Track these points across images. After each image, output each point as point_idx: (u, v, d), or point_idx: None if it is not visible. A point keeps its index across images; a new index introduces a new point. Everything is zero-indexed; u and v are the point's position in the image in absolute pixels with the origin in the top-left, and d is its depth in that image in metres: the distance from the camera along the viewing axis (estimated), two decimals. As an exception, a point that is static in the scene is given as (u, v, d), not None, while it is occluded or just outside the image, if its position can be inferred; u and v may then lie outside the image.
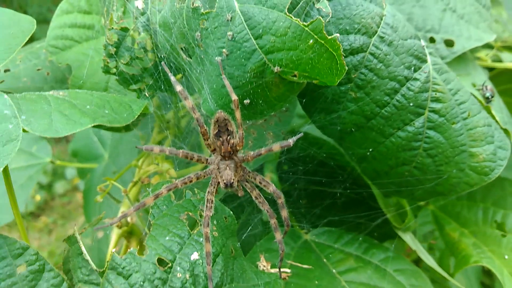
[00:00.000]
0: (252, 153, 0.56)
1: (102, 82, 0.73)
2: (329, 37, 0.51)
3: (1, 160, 0.49)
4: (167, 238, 0.57)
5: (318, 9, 0.54)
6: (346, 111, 0.65)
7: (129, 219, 0.83)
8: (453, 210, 0.94)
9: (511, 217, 0.89)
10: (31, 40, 1.03)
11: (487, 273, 1.24)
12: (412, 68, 0.65)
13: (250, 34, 0.54)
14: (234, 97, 0.54)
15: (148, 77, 0.68)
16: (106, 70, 0.68)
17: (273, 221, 0.56)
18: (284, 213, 0.57)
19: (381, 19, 0.63)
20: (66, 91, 0.59)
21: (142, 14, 0.64)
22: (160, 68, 0.68)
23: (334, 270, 0.75)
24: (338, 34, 0.51)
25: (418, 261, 0.97)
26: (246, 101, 0.58)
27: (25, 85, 0.78)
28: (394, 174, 0.70)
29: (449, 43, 0.83)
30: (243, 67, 0.55)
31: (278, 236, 0.56)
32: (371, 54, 0.62)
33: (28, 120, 0.50)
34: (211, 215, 0.54)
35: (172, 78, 0.56)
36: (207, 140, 0.56)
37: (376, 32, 0.63)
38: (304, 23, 0.52)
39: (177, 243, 0.56)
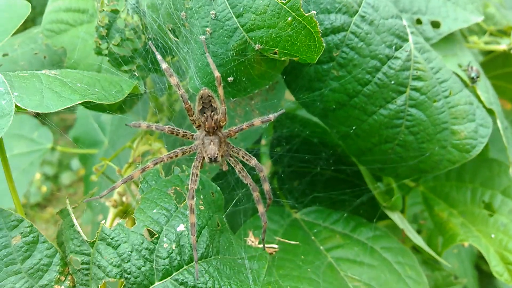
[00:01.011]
0: (234, 128, 0.59)
1: (95, 64, 0.75)
2: (306, 14, 0.53)
3: (-5, 137, 0.51)
4: (154, 210, 0.59)
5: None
6: (328, 89, 0.67)
7: (124, 198, 0.86)
8: (442, 190, 0.96)
9: (498, 197, 0.91)
10: (33, 25, 1.06)
11: (482, 258, 1.26)
12: (393, 47, 0.66)
13: (232, 12, 0.56)
14: (217, 74, 0.56)
15: (138, 58, 0.70)
16: (98, 52, 0.70)
17: (255, 194, 0.58)
18: (266, 186, 0.59)
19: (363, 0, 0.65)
20: (58, 70, 0.61)
21: (132, -4, 0.67)
22: (148, 48, 0.70)
23: (321, 247, 0.78)
24: (314, 12, 0.53)
25: (414, 247, 0.99)
26: (230, 79, 0.60)
27: (23, 68, 0.81)
28: (378, 151, 0.72)
29: (435, 24, 0.85)
30: (225, 45, 0.58)
31: (261, 208, 0.59)
32: (352, 33, 0.64)
33: (21, 97, 0.53)
34: (195, 188, 0.57)
35: (158, 57, 0.59)
36: (192, 116, 0.58)
37: (357, 11, 0.64)
38: (282, 1, 0.54)
39: (164, 215, 0.59)
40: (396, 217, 0.87)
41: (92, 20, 0.81)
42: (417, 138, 0.70)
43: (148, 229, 0.58)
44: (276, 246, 0.73)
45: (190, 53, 0.62)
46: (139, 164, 0.80)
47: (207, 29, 0.58)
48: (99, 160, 1.34)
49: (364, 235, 0.83)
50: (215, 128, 0.59)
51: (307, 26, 0.54)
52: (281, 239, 0.76)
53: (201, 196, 0.63)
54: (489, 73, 1.19)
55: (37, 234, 0.59)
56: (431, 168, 0.73)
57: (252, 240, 0.73)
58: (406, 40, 0.68)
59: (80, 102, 0.55)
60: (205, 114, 0.58)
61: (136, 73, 0.68)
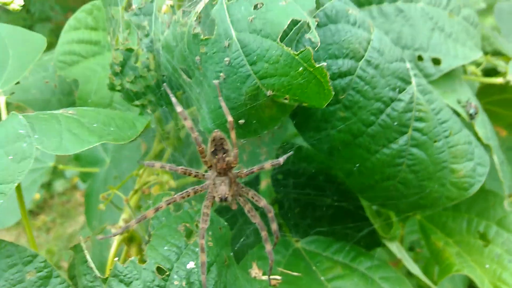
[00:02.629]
0: (245, 170, 0.61)
1: (107, 98, 0.78)
2: (317, 66, 0.56)
3: (16, 176, 0.53)
4: (165, 247, 0.61)
5: (308, 39, 0.58)
6: (334, 130, 0.69)
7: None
8: (439, 220, 0.99)
9: (493, 227, 0.94)
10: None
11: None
12: (397, 89, 0.69)
13: (245, 60, 0.58)
14: (229, 118, 0.58)
15: (150, 94, 0.72)
16: (112, 87, 0.72)
17: (263, 233, 0.61)
18: (274, 226, 0.61)
19: (368, 44, 0.68)
20: (75, 109, 0.63)
21: (146, 35, 0.69)
22: (162, 87, 0.72)
23: (322, 278, 0.80)
24: (325, 63, 0.56)
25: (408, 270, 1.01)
26: (241, 121, 0.62)
27: (34, 96, 0.83)
28: (380, 188, 0.75)
29: (436, 61, 0.88)
30: (238, 90, 0.60)
31: (268, 247, 0.61)
32: (358, 77, 0.67)
33: (41, 139, 0.55)
34: (206, 227, 0.59)
35: (174, 100, 0.61)
36: (204, 157, 0.61)
37: (363, 56, 0.67)
38: (295, 52, 0.56)
39: (175, 252, 0.61)
40: (395, 247, 0.90)
41: (103, 52, 0.83)
42: (417, 176, 0.73)
43: (158, 266, 0.60)
44: (279, 277, 0.75)
45: (203, 95, 0.64)
46: (148, 196, 0.82)
47: (221, 74, 0.60)
48: (100, 178, 1.36)
49: (364, 265, 0.85)
50: (226, 169, 0.61)
51: (317, 76, 0.57)
52: (284, 270, 0.79)
53: (210, 232, 0.65)
54: (485, 99, 1.23)
55: (51, 269, 0.61)
56: (430, 204, 0.76)
57: (256, 272, 0.75)
58: (409, 83, 0.70)
59: (97, 144, 0.57)
60: (217, 156, 0.60)
61: (149, 109, 0.70)
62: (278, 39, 0.57)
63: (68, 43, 0.81)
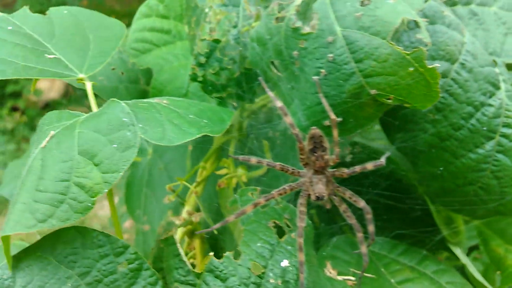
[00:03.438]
0: (347, 170, 0.60)
1: (182, 88, 0.76)
2: (429, 67, 0.55)
3: (120, 165, 0.52)
4: (258, 244, 0.60)
5: (419, 39, 0.57)
6: (423, 132, 0.68)
7: (193, 218, 0.87)
8: (497, 226, 0.97)
9: (554, 237, 0.92)
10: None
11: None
12: (488, 94, 0.68)
13: (351, 57, 0.57)
14: (332, 116, 0.57)
15: (232, 86, 0.71)
16: (193, 78, 0.71)
17: (359, 235, 0.60)
18: (371, 228, 0.60)
19: (463, 47, 0.66)
20: (166, 98, 0.62)
21: (234, 27, 0.68)
22: (243, 80, 0.71)
23: (392, 280, 0.79)
24: (438, 65, 0.54)
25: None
26: (338, 119, 0.61)
27: (102, 83, 0.82)
28: (460, 192, 0.74)
29: (509, 67, 0.86)
30: (340, 87, 0.59)
31: (364, 249, 0.60)
32: (452, 79, 0.66)
33: (144, 128, 0.54)
34: (304, 225, 0.58)
35: (271, 94, 0.60)
36: (303, 155, 0.59)
37: (458, 59, 0.66)
38: (406, 52, 0.55)
39: (268, 249, 0.60)
40: (459, 252, 0.89)
41: (174, 41, 0.82)
42: (500, 182, 0.72)
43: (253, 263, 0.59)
44: (353, 278, 0.74)
45: (297, 91, 0.63)
46: (220, 187, 0.81)
47: (322, 70, 0.59)
48: (142, 167, 1.35)
49: (430, 268, 0.84)
50: (324, 167, 0.60)
51: (427, 77, 0.55)
52: (356, 271, 0.78)
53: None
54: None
55: (142, 261, 0.60)
56: (509, 211, 0.75)
57: (330, 271, 0.74)
58: (499, 88, 0.69)
59: (198, 136, 0.56)
60: (315, 154, 0.59)
61: (234, 103, 0.69)
62: (389, 38, 0.55)
63: (140, 30, 0.80)
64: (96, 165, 0.52)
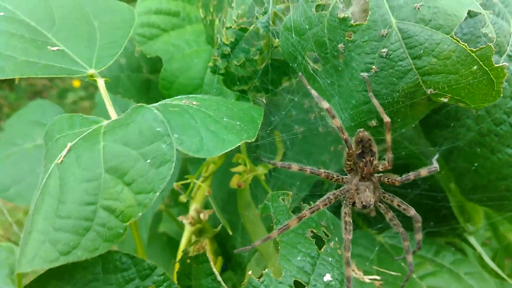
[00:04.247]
0: (399, 178, 0.55)
1: (197, 78, 0.68)
2: (496, 65, 0.49)
3: (156, 184, 0.45)
4: (298, 258, 0.55)
5: (484, 34, 0.51)
6: (463, 127, 0.64)
7: (201, 215, 0.81)
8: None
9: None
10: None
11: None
12: (530, 87, 0.64)
13: (407, 53, 0.51)
14: (386, 118, 0.52)
15: (257, 78, 0.64)
16: (214, 70, 0.63)
17: (406, 244, 0.56)
18: (419, 236, 0.56)
19: (510, 37, 0.61)
20: (195, 98, 0.54)
21: (264, 13, 0.60)
22: (269, 71, 0.64)
23: (414, 275, 0.77)
24: (506, 64, 0.49)
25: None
26: (372, 123, 0.56)
27: (101, 73, 0.72)
28: (492, 188, 0.71)
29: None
30: (393, 85, 0.53)
31: (410, 258, 0.56)
32: (499, 73, 0.61)
33: (181, 139, 0.46)
34: (351, 238, 0.53)
35: (314, 93, 0.53)
36: (351, 160, 0.54)
37: (506, 50, 0.61)
38: (472, 49, 0.49)
39: (309, 263, 0.55)
40: (474, 241, 0.88)
41: (183, 25, 0.73)
42: (533, 177, 0.69)
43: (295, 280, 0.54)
44: (378, 277, 0.71)
45: (337, 87, 0.57)
46: (240, 187, 0.75)
47: (373, 67, 0.53)
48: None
49: (447, 259, 0.83)
50: (372, 173, 0.55)
51: (492, 77, 0.50)
52: (380, 269, 0.75)
53: (336, 239, 0.60)
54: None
55: (170, 282, 0.53)
56: (539, 205, 0.73)
57: (356, 272, 0.70)
58: (540, 80, 0.65)
59: (238, 145, 0.49)
60: (364, 159, 0.54)
61: (264, 99, 0.62)
62: (453, 33, 0.50)
63: (145, 13, 0.70)
64: (127, 184, 0.44)
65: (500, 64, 0.49)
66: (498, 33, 0.59)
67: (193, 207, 0.81)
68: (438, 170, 0.54)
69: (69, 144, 0.46)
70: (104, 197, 0.44)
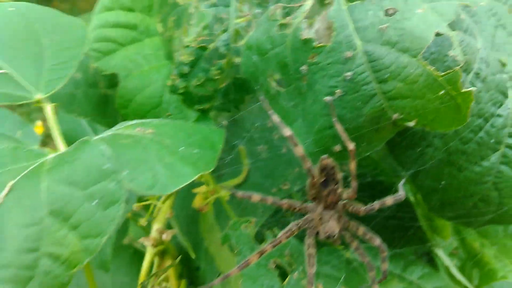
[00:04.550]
0: (363, 207, 0.52)
1: (155, 97, 0.64)
2: (464, 90, 0.48)
3: (103, 227, 0.41)
4: (261, 292, 0.53)
5: (451, 57, 0.49)
6: (430, 147, 0.63)
7: (164, 236, 0.78)
8: (473, 220, 0.97)
9: (529, 229, 0.94)
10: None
11: None
12: (497, 104, 0.63)
13: (372, 76, 0.49)
14: (351, 146, 0.49)
15: (218, 98, 0.61)
16: (173, 90, 0.59)
17: (372, 274, 0.54)
18: (385, 266, 0.55)
19: (478, 54, 0.60)
20: (150, 124, 0.51)
21: (224, 31, 0.56)
22: (228, 88, 0.61)
23: (383, 293, 0.76)
24: (475, 88, 0.48)
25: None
26: (337, 148, 0.53)
27: (56, 91, 0.67)
28: (459, 205, 0.70)
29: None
30: (357, 110, 0.51)
31: (375, 288, 0.55)
32: (466, 91, 0.60)
33: (131, 175, 0.43)
34: (314, 271, 0.51)
35: (276, 119, 0.50)
36: (314, 189, 0.51)
37: (473, 68, 0.60)
38: (439, 74, 0.47)
39: (273, 296, 0.53)
40: (441, 253, 0.88)
41: (142, 39, 0.69)
42: (500, 194, 0.69)
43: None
44: (347, 298, 0.70)
45: (301, 110, 0.54)
46: (201, 211, 0.71)
47: (337, 90, 0.50)
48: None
49: (416, 274, 0.82)
50: (336, 202, 0.52)
51: (458, 101, 0.49)
52: (349, 289, 0.73)
53: (301, 268, 0.57)
54: None
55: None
56: (506, 220, 0.73)
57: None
58: (506, 96, 0.64)
59: (195, 178, 0.46)
60: (328, 188, 0.51)
61: (224, 121, 0.59)
62: (420, 56, 0.48)
63: (101, 27, 0.65)
64: (72, 228, 0.41)
65: (468, 89, 0.48)
66: (466, 51, 0.58)
67: (155, 227, 0.78)
68: (404, 198, 0.53)
69: (11, 183, 0.42)
70: (47, 243, 0.40)
